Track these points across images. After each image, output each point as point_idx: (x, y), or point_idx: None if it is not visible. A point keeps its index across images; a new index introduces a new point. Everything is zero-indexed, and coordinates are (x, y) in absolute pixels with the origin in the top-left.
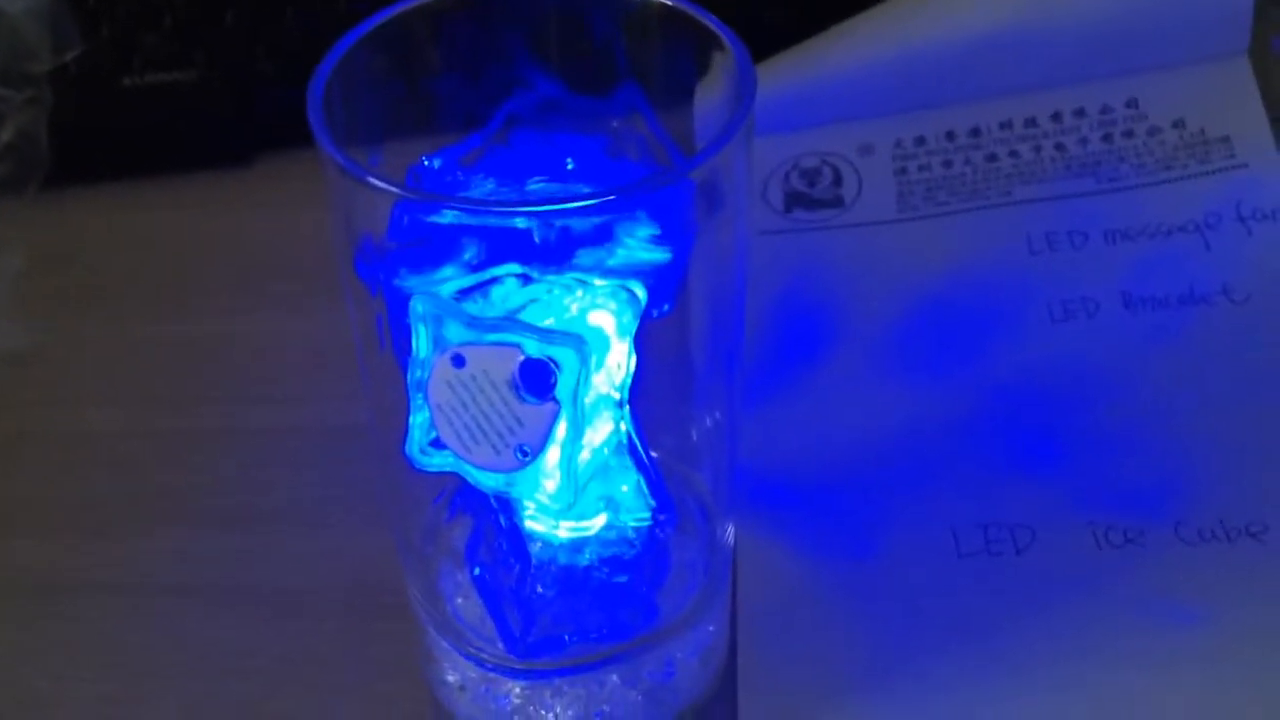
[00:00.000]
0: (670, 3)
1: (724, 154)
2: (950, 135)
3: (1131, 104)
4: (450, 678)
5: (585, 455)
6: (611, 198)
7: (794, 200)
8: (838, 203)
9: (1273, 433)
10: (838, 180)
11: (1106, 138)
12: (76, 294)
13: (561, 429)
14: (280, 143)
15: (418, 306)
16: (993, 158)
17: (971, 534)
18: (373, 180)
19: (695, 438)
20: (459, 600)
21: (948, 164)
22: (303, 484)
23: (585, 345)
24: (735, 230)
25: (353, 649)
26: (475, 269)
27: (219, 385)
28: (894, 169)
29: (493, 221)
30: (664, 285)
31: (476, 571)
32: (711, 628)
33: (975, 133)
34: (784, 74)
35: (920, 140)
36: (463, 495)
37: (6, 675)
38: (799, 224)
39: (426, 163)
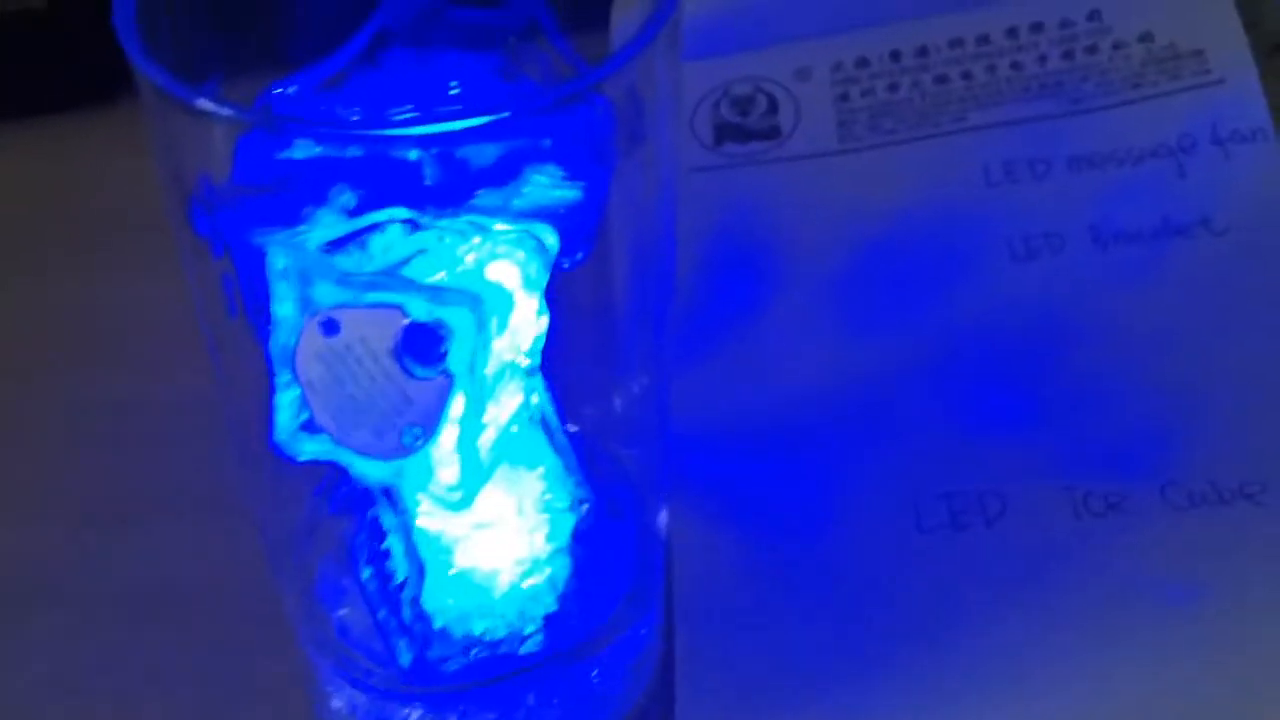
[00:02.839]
0: None
1: (643, 61)
2: (895, 55)
3: (1094, 16)
4: (336, 704)
5: (490, 434)
6: (505, 116)
7: (724, 132)
8: (773, 134)
9: (1264, 379)
10: (773, 109)
11: (1067, 54)
12: None
13: (457, 406)
14: None
15: (278, 262)
16: (943, 79)
17: (934, 505)
18: (211, 106)
19: (620, 408)
20: (343, 611)
21: (893, 88)
22: (161, 468)
23: (483, 305)
24: (659, 161)
25: (230, 661)
26: (350, 215)
27: (68, 352)
28: (834, 95)
29: (356, 152)
30: (577, 229)
31: (366, 573)
32: (644, 631)
33: (923, 52)
34: None
35: (862, 62)
36: (347, 484)
37: None
38: (730, 158)
39: (279, 90)
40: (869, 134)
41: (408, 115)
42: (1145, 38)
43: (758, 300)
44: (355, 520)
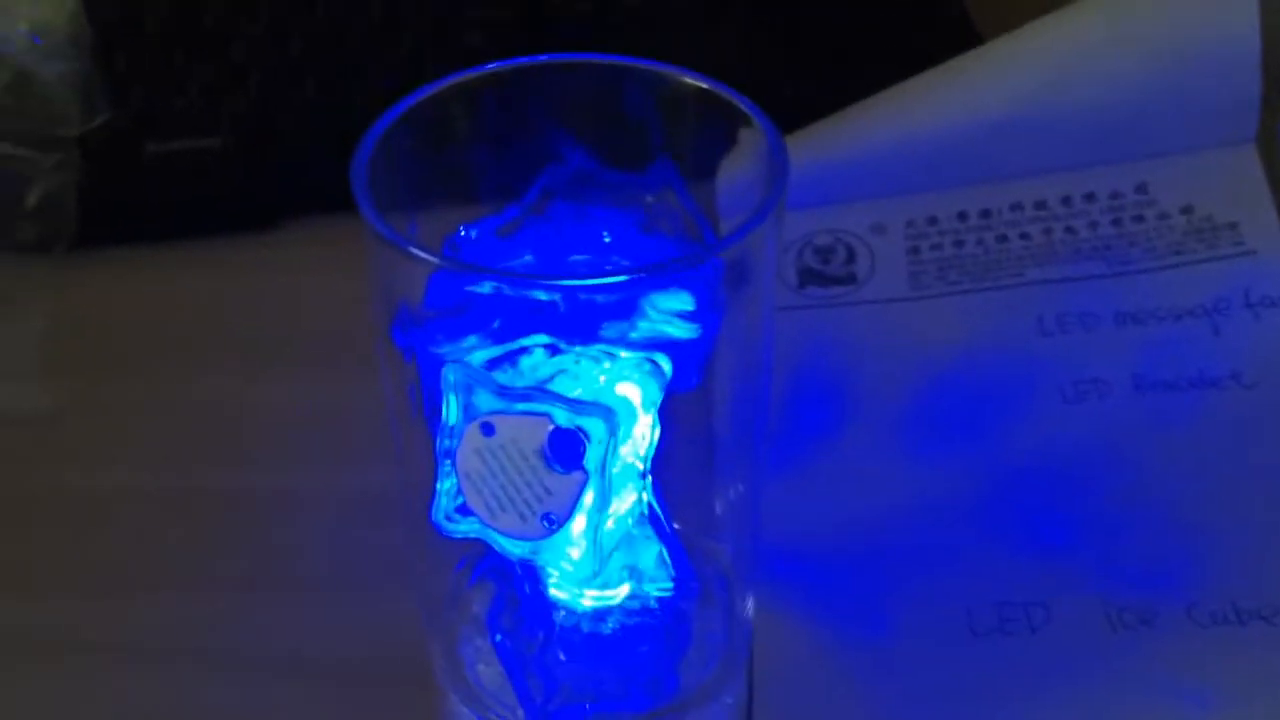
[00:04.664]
0: (704, 84)
1: (756, 234)
2: (962, 216)
3: (1141, 189)
4: None
5: (610, 524)
6: (643, 275)
7: (808, 277)
8: (851, 280)
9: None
10: (851, 258)
11: (1116, 222)
12: (97, 357)
13: (588, 498)
14: (302, 209)
15: (449, 375)
16: (1003, 239)
17: (986, 612)
18: (413, 250)
19: (718, 510)
20: (480, 667)
21: (959, 244)
22: (319, 551)
23: (614, 415)
24: (762, 307)
25: (369, 717)
26: (503, 338)
27: (235, 449)
28: (906, 248)
29: (526, 293)
30: (690, 360)
31: (498, 638)
32: (730, 700)
33: (986, 214)
34: (799, 151)
35: (932, 220)
36: (486, 562)
37: None
38: (812, 300)
39: (464, 233)
40: (937, 284)
41: (575, 259)
42: (1186, 210)
43: (835, 425)
44: (492, 591)
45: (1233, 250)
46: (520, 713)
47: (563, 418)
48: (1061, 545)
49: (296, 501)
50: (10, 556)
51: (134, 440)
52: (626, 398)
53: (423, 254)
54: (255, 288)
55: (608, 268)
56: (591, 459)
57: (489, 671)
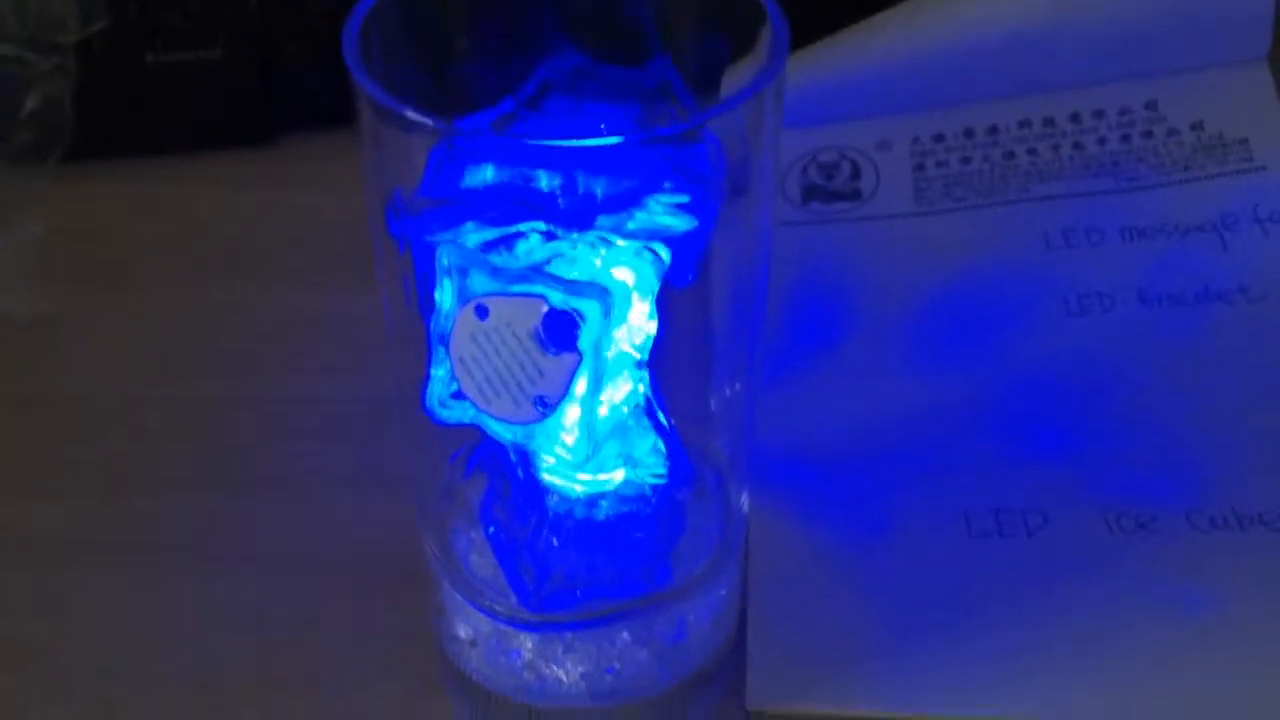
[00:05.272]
0: None
1: (750, 107)
2: (969, 133)
3: (1151, 106)
4: (462, 633)
5: (604, 411)
6: (642, 137)
7: (811, 193)
8: (855, 195)
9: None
10: (855, 174)
11: (1125, 138)
12: (93, 265)
13: (582, 382)
14: (302, 123)
15: (444, 257)
16: (1010, 155)
17: (984, 517)
18: (411, 115)
19: (714, 407)
20: (473, 557)
21: (965, 160)
22: (315, 453)
23: (610, 297)
24: (761, 203)
25: (364, 611)
26: (499, 224)
27: (232, 357)
28: (912, 164)
29: (523, 168)
30: (688, 253)
31: (491, 530)
32: (724, 592)
33: (993, 131)
34: (804, 69)
35: (939, 137)
36: (480, 454)
37: (10, 629)
38: (816, 215)
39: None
40: (942, 199)
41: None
42: (1196, 126)
43: (838, 334)
44: (485, 482)
45: (1242, 166)
46: (512, 598)
47: (557, 299)
48: (1061, 454)
49: (291, 407)
50: (7, 456)
51: (129, 348)
52: (623, 281)
53: (421, 118)
54: (252, 200)
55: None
56: (585, 341)
57: (482, 562)
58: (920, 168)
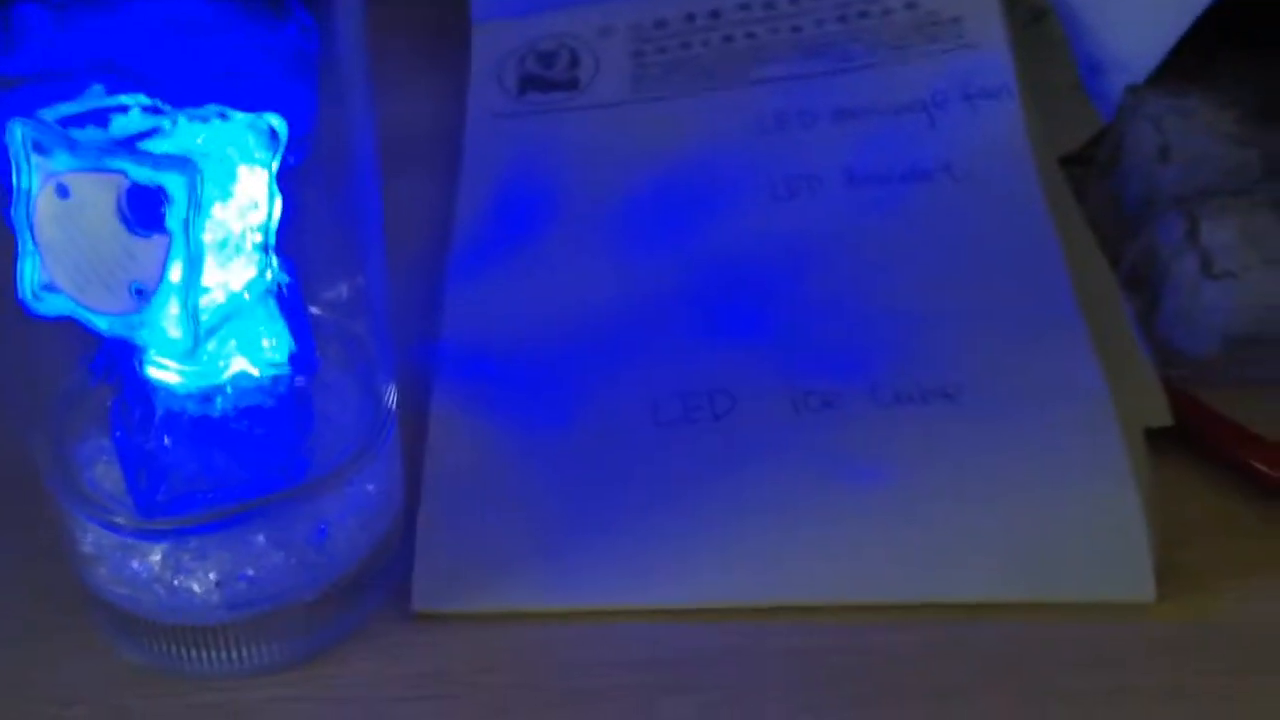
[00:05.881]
0: None
1: None
2: (690, 17)
3: None
4: (86, 549)
5: (219, 296)
6: None
7: (528, 83)
8: (573, 85)
9: (971, 299)
10: (574, 62)
11: (841, 19)
12: None
13: (176, 266)
14: None
15: (17, 131)
16: (729, 39)
17: (670, 403)
18: None
19: (347, 295)
20: (98, 467)
21: (685, 45)
22: None
23: (196, 170)
24: (353, 88)
25: None
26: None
27: None
28: (631, 51)
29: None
30: (296, 126)
31: (118, 434)
32: (371, 487)
33: (714, 15)
34: None
35: (660, 23)
36: (106, 352)
37: None
38: (532, 106)
39: None
40: (660, 86)
41: None
42: (911, 5)
43: (541, 228)
44: (117, 389)
45: (954, 44)
46: (132, 508)
47: (139, 173)
48: (754, 336)
49: None
50: None
51: None
52: (225, 155)
53: None
54: None
55: None
56: (174, 219)
57: (108, 470)
58: (640, 54)
